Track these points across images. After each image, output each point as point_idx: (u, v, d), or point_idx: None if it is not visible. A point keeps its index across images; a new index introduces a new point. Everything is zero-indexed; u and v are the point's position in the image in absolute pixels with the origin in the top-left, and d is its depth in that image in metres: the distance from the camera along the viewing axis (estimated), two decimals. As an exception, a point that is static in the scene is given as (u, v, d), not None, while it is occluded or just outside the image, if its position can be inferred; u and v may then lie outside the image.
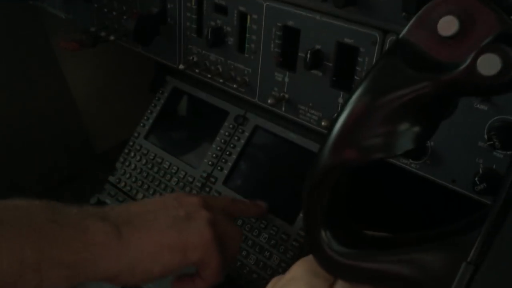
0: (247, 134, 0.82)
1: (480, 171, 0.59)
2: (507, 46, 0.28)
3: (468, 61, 0.29)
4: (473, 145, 0.59)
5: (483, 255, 0.31)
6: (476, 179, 0.59)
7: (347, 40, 0.67)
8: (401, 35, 0.33)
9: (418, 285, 0.34)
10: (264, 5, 0.74)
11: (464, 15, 0.30)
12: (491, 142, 0.57)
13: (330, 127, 0.35)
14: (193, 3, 0.84)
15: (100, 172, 1.55)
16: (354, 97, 0.34)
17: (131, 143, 0.92)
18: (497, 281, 0.31)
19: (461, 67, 0.29)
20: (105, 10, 0.98)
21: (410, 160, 0.66)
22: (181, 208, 0.59)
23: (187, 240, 0.57)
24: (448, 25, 0.30)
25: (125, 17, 0.95)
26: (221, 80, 0.83)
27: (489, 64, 0.28)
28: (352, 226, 0.38)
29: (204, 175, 0.82)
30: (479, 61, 0.28)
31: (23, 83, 1.36)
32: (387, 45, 0.63)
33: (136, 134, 0.93)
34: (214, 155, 0.83)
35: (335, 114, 0.36)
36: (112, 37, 0.99)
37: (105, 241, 0.51)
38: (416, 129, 0.32)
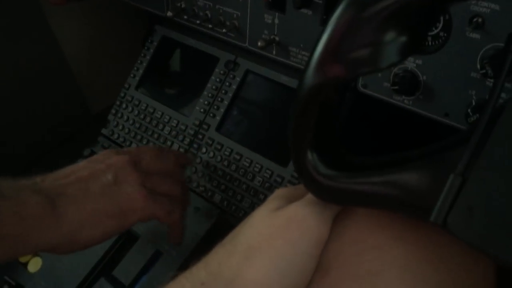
0: (238, 79, 0.80)
1: (473, 103, 0.59)
2: None
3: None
4: (465, 76, 0.58)
5: (470, 167, 0.31)
6: (468, 110, 0.59)
7: (336, -25, 0.65)
8: None
9: (406, 204, 0.34)
10: None
11: None
12: (484, 71, 0.56)
13: (314, 44, 0.34)
14: None
15: (98, 131, 1.55)
16: (338, 11, 0.33)
17: (122, 95, 0.91)
18: (484, 192, 0.31)
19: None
20: (89, -41, 0.95)
21: (403, 96, 0.65)
22: (109, 173, 0.59)
23: (121, 205, 0.58)
24: None
25: (109, -35, 0.92)
26: (210, 26, 0.81)
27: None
28: (339, 149, 0.38)
29: (197, 122, 0.82)
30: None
31: (10, 41, 1.33)
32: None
33: (126, 86, 0.91)
34: (206, 102, 0.82)
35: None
36: (98, -12, 0.96)
37: (41, 214, 0.51)
38: (402, 39, 0.31)
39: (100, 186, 0.58)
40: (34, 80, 1.39)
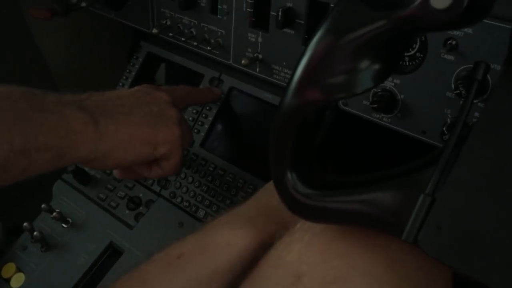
0: (222, 96, 0.82)
1: (448, 121, 0.61)
2: None
3: (421, -5, 0.30)
4: (441, 96, 0.61)
5: (439, 187, 0.33)
6: (444, 128, 0.61)
7: (317, -4, 0.67)
8: (358, -25, 0.33)
9: (379, 221, 0.35)
10: (235, -36, 0.74)
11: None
12: (458, 91, 0.58)
13: (293, 69, 0.36)
14: (164, -35, 0.83)
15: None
16: (316, 38, 0.34)
17: (107, 110, 0.92)
18: (452, 212, 0.32)
19: (416, 2, 0.30)
20: (75, -25, 0.96)
21: (382, 114, 0.67)
22: (154, 105, 0.64)
23: (158, 135, 0.62)
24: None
25: (95, -18, 0.93)
26: (195, 43, 0.82)
27: (441, -3, 0.29)
28: (317, 169, 0.39)
29: (181, 138, 0.83)
30: (431, -6, 0.29)
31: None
32: None
33: (112, 101, 0.92)
34: (190, 118, 0.83)
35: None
36: (83, 4, 0.97)
37: (84, 130, 0.54)
38: (376, 67, 0.33)
39: (143, 114, 0.62)
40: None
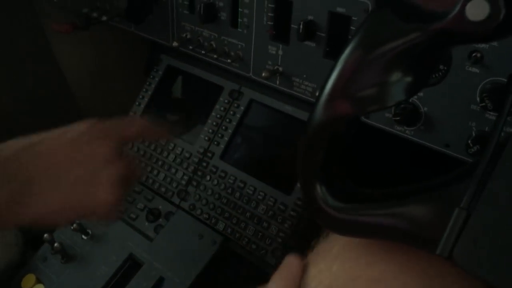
0: (242, 108, 0.82)
1: (473, 134, 0.60)
2: None
3: (457, 8, 0.29)
4: (465, 108, 0.60)
5: (475, 201, 0.32)
6: (469, 141, 0.60)
7: (339, 9, 0.67)
8: (390, -12, 0.33)
9: (412, 236, 0.35)
10: (256, -22, 0.74)
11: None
12: (484, 104, 0.57)
13: (324, 82, 0.35)
14: (184, -20, 0.84)
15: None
16: (347, 51, 0.34)
17: (127, 122, 0.93)
18: (488, 226, 0.32)
19: (451, 15, 0.30)
20: (97, -10, 0.97)
21: (405, 127, 0.66)
22: (88, 166, 0.58)
23: (90, 203, 0.58)
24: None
25: (116, -4, 0.94)
26: (215, 56, 0.83)
27: (477, 10, 0.29)
28: (347, 182, 0.39)
29: (201, 150, 0.83)
30: (467, 7, 0.29)
31: (14, 66, 1.35)
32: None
33: (132, 113, 0.93)
34: (210, 131, 0.83)
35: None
36: (104, 18, 0.98)
37: (10, 200, 0.54)
38: (408, 79, 0.33)
39: (74, 180, 0.57)
40: (36, 105, 1.40)
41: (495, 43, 0.55)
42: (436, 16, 0.31)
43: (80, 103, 1.53)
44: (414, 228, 0.35)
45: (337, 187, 0.38)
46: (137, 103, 0.93)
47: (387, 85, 0.33)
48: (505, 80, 0.54)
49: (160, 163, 0.86)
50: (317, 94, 0.73)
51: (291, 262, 0.42)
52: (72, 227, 0.82)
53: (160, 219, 0.81)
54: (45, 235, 0.80)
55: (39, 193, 0.56)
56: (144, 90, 0.93)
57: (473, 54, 0.57)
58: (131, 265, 0.78)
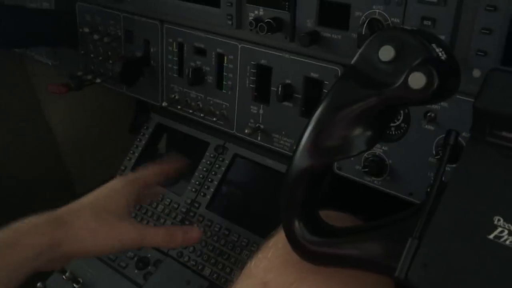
0: (227, 162, 0.89)
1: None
2: (430, 66, 0.37)
3: (402, 79, 0.38)
4: (424, 161, 0.69)
5: (423, 231, 0.40)
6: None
7: (313, 75, 0.77)
8: (352, 62, 0.42)
9: (374, 264, 0.42)
10: (239, 46, 0.84)
11: (398, 44, 0.39)
12: (439, 156, 0.66)
13: (299, 136, 0.43)
14: (174, 47, 0.93)
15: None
16: (317, 112, 0.42)
17: (118, 176, 0.99)
18: (434, 251, 0.39)
19: (398, 84, 0.38)
20: (92, 55, 1.06)
21: (373, 178, 0.74)
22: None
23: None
24: (387, 53, 0.39)
25: (110, 61, 1.03)
26: (201, 115, 0.91)
27: (417, 80, 0.37)
28: (320, 219, 0.46)
29: (188, 201, 0.89)
30: (410, 78, 0.38)
31: (4, 125, 1.41)
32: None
33: (123, 167, 0.99)
34: (197, 183, 0.90)
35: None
36: (98, 80, 1.06)
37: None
38: (368, 133, 0.41)
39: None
40: (22, 160, 1.45)
41: (445, 104, 0.64)
42: (387, 84, 0.39)
43: (67, 161, 1.58)
44: (375, 257, 0.42)
45: (312, 223, 0.45)
46: (128, 158, 1.00)
47: (351, 138, 0.41)
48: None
49: (149, 213, 0.92)
50: (294, 147, 0.81)
51: None
52: (64, 276, 0.85)
53: (149, 267, 0.86)
54: (38, 284, 0.84)
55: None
56: (135, 146, 1.00)
57: (428, 114, 0.66)
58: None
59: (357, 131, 0.41)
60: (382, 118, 0.42)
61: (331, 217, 0.48)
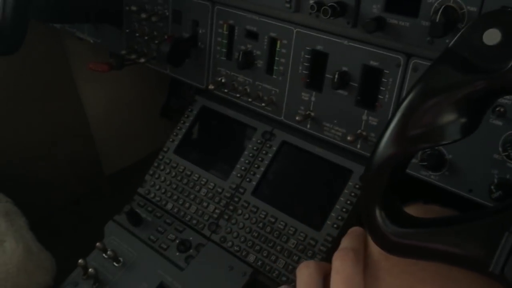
0: (274, 148, 0.88)
1: (495, 181, 0.66)
2: None
3: (511, 64, 0.36)
4: (489, 157, 0.66)
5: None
6: (492, 187, 0.66)
7: (372, 63, 0.75)
8: (450, 45, 0.40)
9: (465, 258, 0.40)
10: (294, 31, 0.82)
11: (506, 28, 0.37)
12: (506, 153, 0.64)
13: (387, 123, 0.41)
14: (224, 29, 0.92)
15: (107, 194, 1.60)
16: (410, 97, 0.40)
17: (160, 157, 0.98)
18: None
19: (506, 68, 0.36)
20: (137, 34, 1.05)
21: (430, 172, 0.72)
22: None
23: None
24: (493, 36, 0.37)
25: (156, 41, 1.02)
26: (249, 99, 0.89)
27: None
28: (402, 209, 0.44)
29: (233, 186, 0.88)
30: (519, 63, 0.35)
31: (39, 102, 1.42)
32: (410, 66, 0.71)
33: (165, 149, 0.98)
34: (242, 168, 0.89)
35: (389, 116, 0.43)
36: (142, 60, 1.05)
37: None
38: (464, 121, 0.39)
39: None
40: (53, 139, 1.46)
41: (517, 99, 0.62)
42: (493, 70, 0.37)
43: (97, 139, 1.59)
44: (466, 251, 0.40)
45: (394, 213, 0.43)
46: (171, 140, 0.99)
47: (445, 125, 0.39)
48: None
49: (192, 196, 0.91)
50: (348, 138, 0.78)
51: (355, 229, 0.50)
52: (104, 255, 0.85)
53: (191, 250, 0.85)
54: (80, 260, 0.84)
55: None
56: (178, 128, 0.99)
57: (497, 109, 0.64)
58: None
59: (453, 117, 0.39)
60: (480, 106, 0.40)
61: (419, 210, 0.46)
